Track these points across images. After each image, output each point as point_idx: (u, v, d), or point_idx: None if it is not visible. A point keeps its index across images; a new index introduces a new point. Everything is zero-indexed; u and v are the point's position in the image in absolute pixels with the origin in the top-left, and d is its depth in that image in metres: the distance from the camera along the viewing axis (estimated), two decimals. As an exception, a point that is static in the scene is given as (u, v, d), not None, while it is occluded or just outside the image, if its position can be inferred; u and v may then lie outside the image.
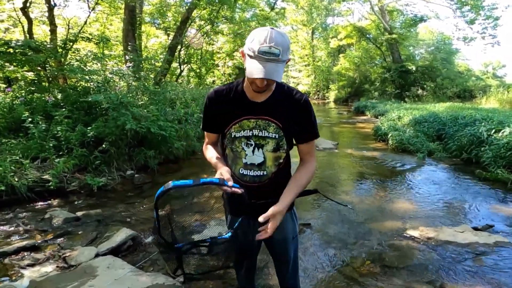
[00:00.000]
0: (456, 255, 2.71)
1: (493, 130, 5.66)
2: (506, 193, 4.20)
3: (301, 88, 37.00)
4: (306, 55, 35.05)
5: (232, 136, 1.32)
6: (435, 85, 17.82)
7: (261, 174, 1.33)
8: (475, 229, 3.15)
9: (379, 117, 12.18)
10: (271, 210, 1.18)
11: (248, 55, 1.13)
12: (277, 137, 1.30)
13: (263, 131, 1.29)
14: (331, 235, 3.17)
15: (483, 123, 6.11)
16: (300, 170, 1.36)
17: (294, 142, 1.38)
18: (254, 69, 1.09)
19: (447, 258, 2.67)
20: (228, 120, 1.31)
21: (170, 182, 1.10)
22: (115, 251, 2.77)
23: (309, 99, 1.36)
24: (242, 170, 1.34)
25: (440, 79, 18.25)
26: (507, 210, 3.67)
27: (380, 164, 6.02)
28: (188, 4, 11.22)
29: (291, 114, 1.29)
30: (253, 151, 1.31)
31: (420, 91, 18.08)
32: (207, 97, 1.37)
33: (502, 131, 5.43)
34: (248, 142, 1.31)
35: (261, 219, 1.16)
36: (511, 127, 5.39)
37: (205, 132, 1.45)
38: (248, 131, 1.30)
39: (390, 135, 7.66)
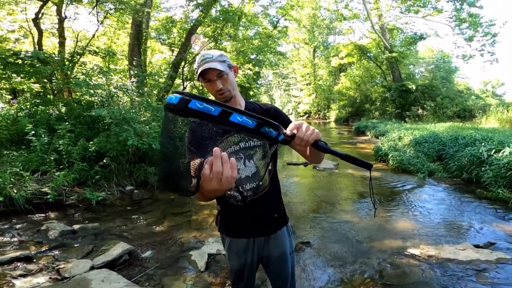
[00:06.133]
0: (458, 272, 2.67)
1: (493, 150, 5.65)
2: (507, 211, 4.16)
3: (302, 108, 37.24)
4: (308, 73, 35.54)
5: None
6: (435, 105, 17.85)
7: (256, 185, 1.35)
8: (477, 246, 3.11)
9: (379, 137, 12.17)
10: (292, 124, 1.07)
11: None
12: (262, 143, 1.33)
13: (249, 141, 1.33)
14: (330, 253, 3.13)
15: (483, 143, 6.10)
16: None
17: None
18: (199, 72, 1.28)
19: (448, 275, 2.62)
20: (213, 143, 1.33)
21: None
22: (111, 265, 2.74)
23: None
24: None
25: (440, 98, 18.30)
26: (508, 228, 3.63)
27: (380, 184, 5.99)
28: (193, 21, 11.49)
29: None
30: (244, 163, 1.33)
31: (420, 111, 18.13)
32: (189, 126, 1.29)
33: (502, 151, 5.42)
34: (237, 156, 1.33)
35: (288, 132, 1.04)
36: (511, 147, 5.39)
37: None
38: (235, 146, 1.32)
39: (390, 155, 7.64)
